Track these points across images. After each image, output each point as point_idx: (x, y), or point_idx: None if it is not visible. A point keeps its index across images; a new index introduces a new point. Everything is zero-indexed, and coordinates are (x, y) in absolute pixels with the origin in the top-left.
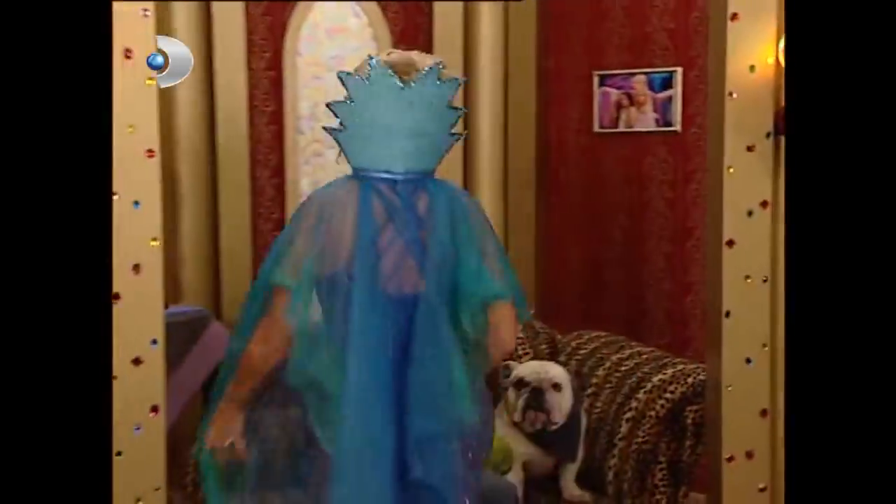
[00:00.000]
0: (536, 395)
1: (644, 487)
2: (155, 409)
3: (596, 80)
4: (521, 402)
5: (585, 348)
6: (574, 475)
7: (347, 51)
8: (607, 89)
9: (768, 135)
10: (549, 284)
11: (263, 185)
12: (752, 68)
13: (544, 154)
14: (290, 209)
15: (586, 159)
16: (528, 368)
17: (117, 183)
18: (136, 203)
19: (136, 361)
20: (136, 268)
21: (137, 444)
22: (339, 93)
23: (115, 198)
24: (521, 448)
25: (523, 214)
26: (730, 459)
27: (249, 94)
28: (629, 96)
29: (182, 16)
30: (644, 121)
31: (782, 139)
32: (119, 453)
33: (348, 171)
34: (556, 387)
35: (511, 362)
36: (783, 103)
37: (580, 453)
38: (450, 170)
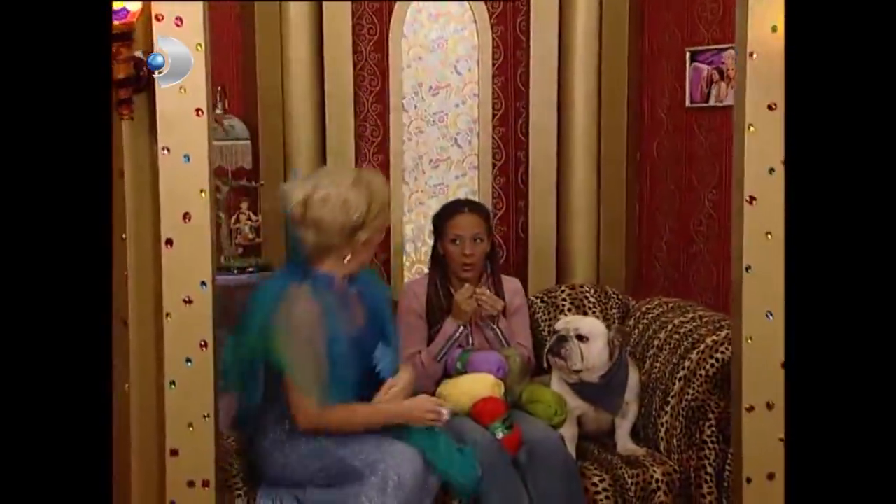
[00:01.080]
0: (559, 341)
1: (692, 443)
2: (204, 344)
3: (688, 55)
4: (546, 348)
5: (652, 313)
6: (629, 431)
7: (448, 32)
8: (698, 65)
9: None
10: (640, 256)
11: (369, 162)
12: (773, 28)
13: (637, 130)
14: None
15: (678, 134)
16: (564, 319)
17: (168, 139)
18: (186, 157)
19: (187, 301)
20: (186, 216)
21: (188, 376)
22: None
23: (165, 153)
24: (573, 402)
25: (616, 188)
26: (750, 409)
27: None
28: (720, 71)
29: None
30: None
31: None
32: (172, 383)
33: None
34: (581, 338)
35: (563, 316)
36: None
37: (633, 409)
38: (545, 148)
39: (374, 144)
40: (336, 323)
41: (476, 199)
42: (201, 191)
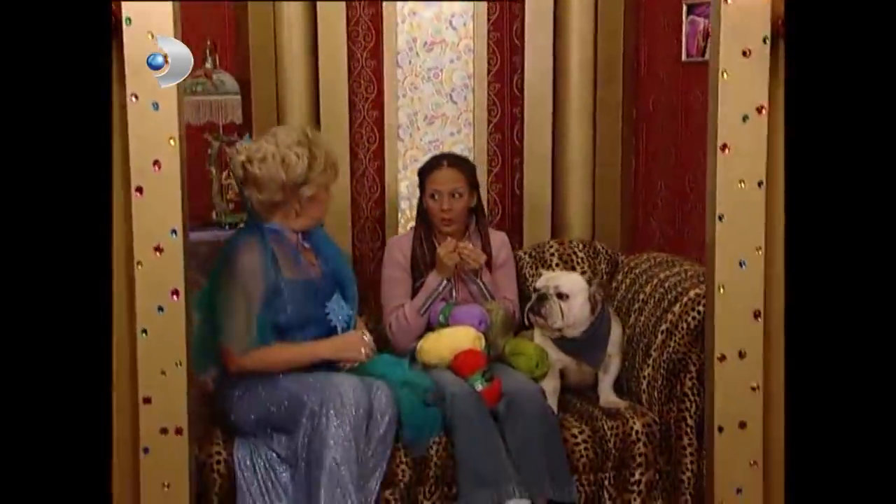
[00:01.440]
0: (539, 300)
1: (673, 395)
2: (175, 292)
3: (684, 8)
4: (527, 306)
5: (640, 267)
6: (611, 384)
7: None
8: (695, 18)
9: (765, 39)
10: (636, 212)
11: (363, 119)
12: None
13: (633, 85)
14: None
15: (674, 89)
16: (544, 276)
17: (137, 87)
18: (155, 105)
19: (158, 249)
20: (156, 164)
21: (160, 324)
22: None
23: (134, 101)
24: (555, 356)
25: (612, 144)
26: (721, 358)
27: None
28: None
29: None
30: None
31: (781, 44)
32: (144, 331)
33: None
34: (561, 295)
35: (544, 271)
36: (781, 9)
37: (615, 363)
38: (540, 104)
39: (369, 101)
40: (280, 272)
41: (471, 156)
42: (170, 138)
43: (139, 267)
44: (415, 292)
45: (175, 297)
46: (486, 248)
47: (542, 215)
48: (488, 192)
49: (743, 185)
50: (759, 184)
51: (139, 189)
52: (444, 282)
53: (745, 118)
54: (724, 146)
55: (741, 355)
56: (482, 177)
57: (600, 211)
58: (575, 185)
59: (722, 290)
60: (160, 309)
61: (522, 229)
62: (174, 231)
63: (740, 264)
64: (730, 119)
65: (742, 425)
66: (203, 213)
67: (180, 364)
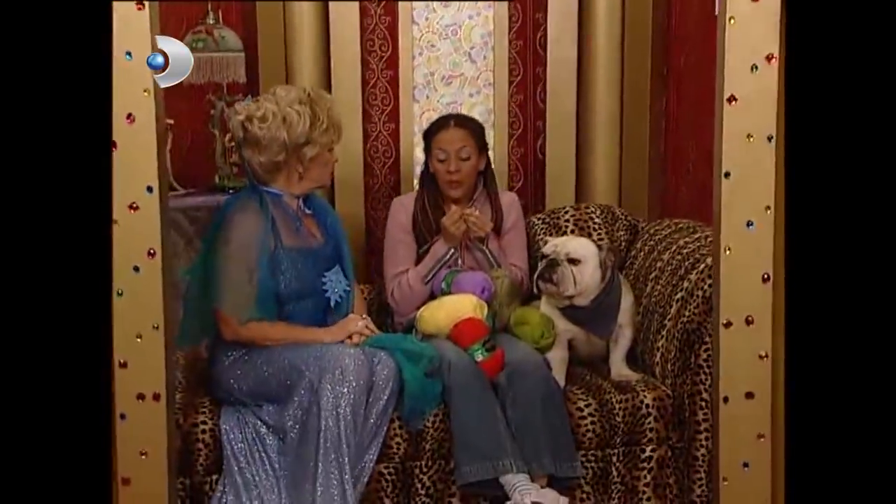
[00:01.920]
0: (549, 266)
1: (687, 367)
2: (152, 252)
3: None
4: (536, 273)
5: (660, 234)
6: (623, 356)
7: None
8: None
9: None
10: (666, 177)
11: (377, 79)
12: None
13: (663, 42)
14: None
15: (707, 46)
16: (552, 242)
17: None
18: (128, 54)
19: (133, 207)
20: (130, 117)
21: (136, 285)
22: None
23: None
24: (563, 325)
25: (640, 105)
26: (727, 325)
27: None
28: None
29: None
30: None
31: None
32: (120, 293)
33: None
34: (573, 261)
35: (549, 237)
36: None
37: (627, 334)
38: (565, 63)
39: (383, 60)
40: (280, 239)
41: (490, 118)
42: (144, 90)
43: (116, 226)
44: (419, 259)
45: (151, 257)
46: (496, 213)
47: (565, 181)
48: (509, 157)
49: (751, 139)
50: (769, 138)
51: (113, 144)
52: (452, 250)
53: (753, 67)
54: (732, 98)
55: (748, 322)
56: (502, 140)
57: (627, 176)
58: (600, 148)
59: (728, 251)
60: (136, 269)
61: (545, 196)
62: (149, 188)
63: (748, 224)
64: (738, 68)
65: (749, 395)
66: (206, 176)
67: (157, 327)
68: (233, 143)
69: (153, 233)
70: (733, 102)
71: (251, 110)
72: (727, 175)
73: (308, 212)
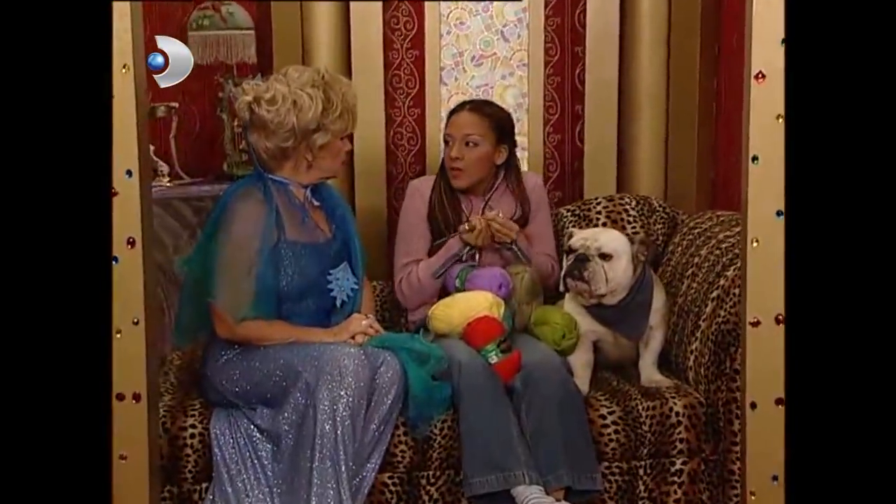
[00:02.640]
0: (579, 262)
1: (721, 372)
2: (131, 241)
3: None
4: (563, 270)
5: (700, 227)
6: (654, 360)
7: None
8: None
9: None
10: (717, 165)
11: (401, 59)
12: None
13: (714, 17)
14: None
15: None
16: (580, 235)
17: None
18: None
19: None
20: None
21: (115, 277)
22: None
23: None
24: (588, 326)
25: (688, 87)
26: (755, 324)
27: None
28: None
29: None
30: None
31: None
32: None
33: None
34: (604, 256)
35: (574, 230)
36: None
37: (658, 335)
38: (605, 42)
39: (408, 39)
40: (284, 231)
41: (525, 102)
42: (123, 66)
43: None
44: (433, 250)
45: (131, 246)
46: (521, 205)
47: (605, 171)
48: (544, 144)
49: (781, 119)
50: None
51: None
52: (468, 247)
53: (784, 41)
54: (760, 74)
55: (778, 321)
56: (537, 126)
57: (674, 165)
58: (645, 135)
59: (755, 243)
60: (114, 259)
61: (583, 186)
62: (129, 172)
63: (777, 214)
64: (766, 41)
65: (779, 402)
66: (214, 164)
67: (137, 322)
68: (241, 128)
69: (133, 220)
70: (761, 80)
71: (259, 91)
72: (755, 160)
73: (316, 203)
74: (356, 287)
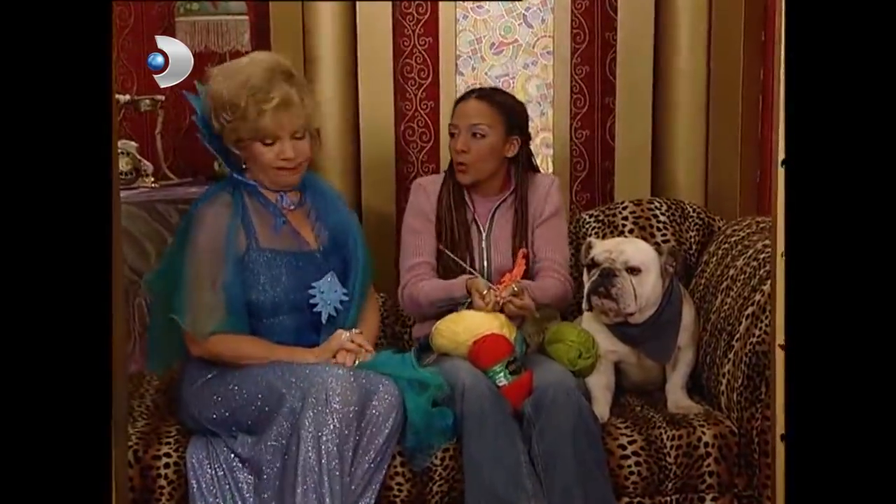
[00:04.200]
0: (604, 278)
1: (756, 398)
2: None
3: None
4: (587, 286)
5: (737, 235)
6: (682, 384)
7: None
8: None
9: None
10: (763, 165)
11: (413, 47)
12: None
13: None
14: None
15: None
16: (602, 246)
17: None
18: None
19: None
20: None
21: None
22: None
23: None
24: (609, 345)
25: (730, 78)
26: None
27: None
28: None
29: None
30: None
31: None
32: None
33: None
34: (632, 270)
35: (594, 239)
36: None
37: (687, 356)
38: (639, 26)
39: (420, 24)
40: (256, 238)
41: (549, 93)
42: None
43: None
44: (439, 254)
45: None
46: (523, 215)
47: (639, 171)
48: (571, 140)
49: None
50: None
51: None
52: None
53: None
54: None
55: None
56: (563, 120)
57: (715, 164)
58: (682, 131)
59: (783, 256)
60: None
61: (614, 188)
62: None
63: None
64: None
65: None
66: (204, 163)
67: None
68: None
69: None
70: None
71: (220, 70)
72: (784, 164)
73: (292, 208)
74: (345, 298)
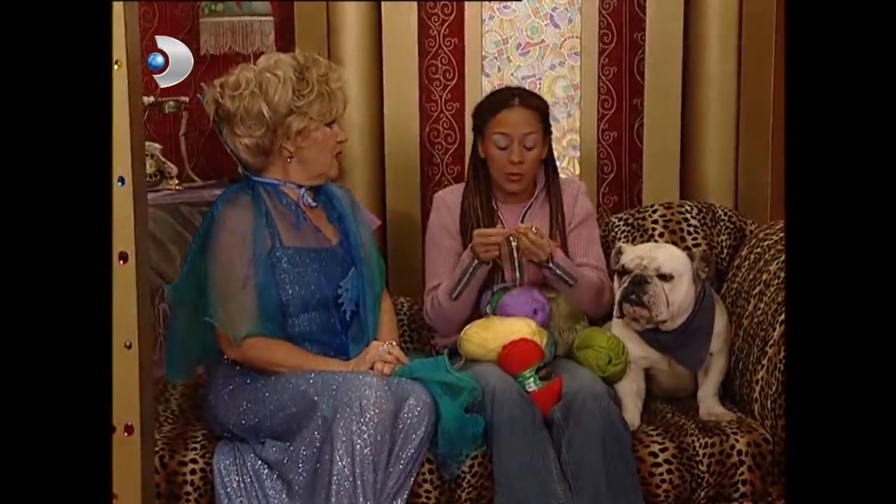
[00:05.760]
0: (636, 285)
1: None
2: (124, 256)
3: None
4: (618, 294)
5: (770, 239)
6: (714, 391)
7: None
8: None
9: None
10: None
11: (438, 47)
12: None
13: None
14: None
15: None
16: (633, 252)
17: None
18: None
19: None
20: None
21: None
22: None
23: None
24: (639, 351)
25: (762, 77)
26: None
27: None
28: None
29: None
30: None
31: None
32: None
33: None
34: (664, 276)
35: (624, 245)
36: None
37: (720, 363)
38: (668, 25)
39: (446, 24)
40: (279, 238)
41: (576, 94)
42: (116, 62)
43: None
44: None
45: (124, 261)
46: (557, 211)
47: (668, 173)
48: (598, 142)
49: None
50: None
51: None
52: (476, 262)
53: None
54: None
55: None
56: (591, 122)
57: (745, 167)
58: (712, 132)
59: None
60: None
61: (642, 191)
62: (122, 179)
63: None
64: None
65: None
66: (228, 166)
67: (130, 346)
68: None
69: (126, 234)
70: None
71: (223, 80)
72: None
73: (314, 204)
74: (364, 292)
